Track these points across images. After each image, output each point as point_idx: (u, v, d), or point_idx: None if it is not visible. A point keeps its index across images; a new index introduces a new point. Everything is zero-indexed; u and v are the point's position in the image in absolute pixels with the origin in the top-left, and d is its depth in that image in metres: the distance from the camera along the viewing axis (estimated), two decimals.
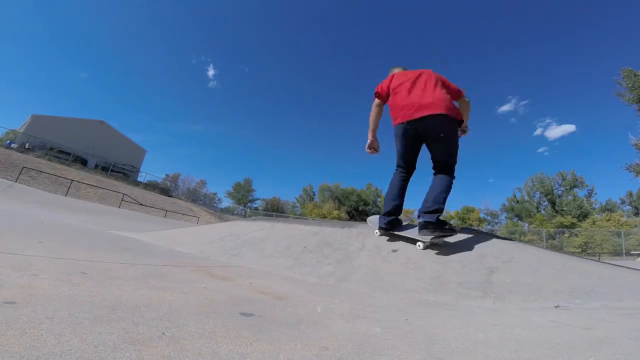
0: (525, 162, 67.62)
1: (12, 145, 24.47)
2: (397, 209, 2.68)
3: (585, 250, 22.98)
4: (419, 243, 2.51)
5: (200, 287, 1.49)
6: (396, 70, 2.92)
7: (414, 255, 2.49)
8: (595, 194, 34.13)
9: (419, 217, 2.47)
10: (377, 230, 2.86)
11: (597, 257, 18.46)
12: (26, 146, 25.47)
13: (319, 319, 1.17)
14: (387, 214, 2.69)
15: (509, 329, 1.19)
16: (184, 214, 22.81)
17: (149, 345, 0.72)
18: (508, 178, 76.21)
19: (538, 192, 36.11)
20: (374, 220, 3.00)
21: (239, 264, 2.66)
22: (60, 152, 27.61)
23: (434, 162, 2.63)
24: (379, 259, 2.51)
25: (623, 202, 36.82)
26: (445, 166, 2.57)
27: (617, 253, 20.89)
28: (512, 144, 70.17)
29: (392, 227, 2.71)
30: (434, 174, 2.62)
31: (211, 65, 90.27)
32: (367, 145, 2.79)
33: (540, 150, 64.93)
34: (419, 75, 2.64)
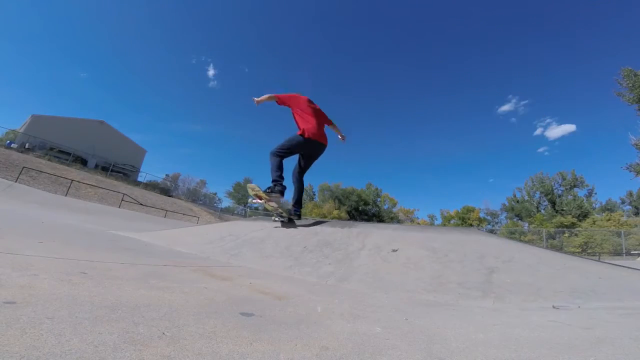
0: (525, 162, 67.59)
1: (12, 145, 24.46)
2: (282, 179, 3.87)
3: (586, 250, 22.97)
4: (275, 218, 3.89)
5: (200, 287, 1.49)
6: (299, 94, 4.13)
7: (414, 255, 2.49)
8: (595, 193, 34.09)
9: (294, 206, 3.91)
10: (268, 195, 3.66)
11: (597, 257, 18.46)
12: (26, 146, 25.46)
13: (319, 319, 1.17)
14: (281, 182, 3.76)
15: (509, 328, 1.19)
16: (184, 214, 22.80)
17: (149, 345, 0.72)
18: (508, 178, 76.25)
19: (538, 192, 36.07)
20: (254, 186, 3.81)
21: (239, 264, 2.66)
22: (60, 152, 27.60)
23: (304, 168, 3.98)
24: (379, 258, 2.51)
25: (623, 202, 36.84)
26: (305, 173, 4.02)
27: (617, 253, 20.87)
28: (512, 144, 70.11)
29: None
30: (301, 176, 3.97)
31: (211, 65, 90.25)
32: (258, 98, 3.89)
33: (541, 150, 64.92)
34: (319, 113, 3.96)
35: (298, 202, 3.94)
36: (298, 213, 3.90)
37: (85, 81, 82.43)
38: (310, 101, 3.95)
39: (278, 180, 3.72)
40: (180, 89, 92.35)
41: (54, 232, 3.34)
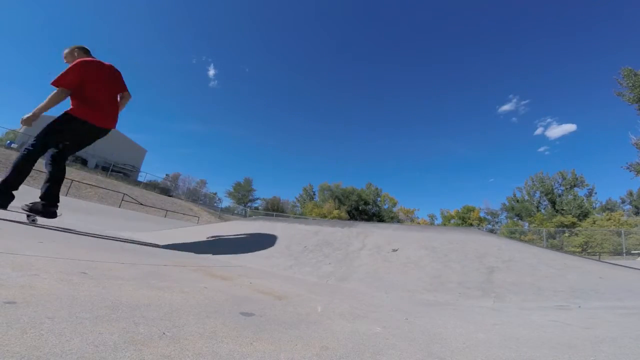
0: (525, 162, 67.63)
1: (13, 145, 24.47)
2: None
3: (586, 250, 22.98)
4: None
5: (200, 286, 1.49)
6: (82, 54, 3.10)
7: (414, 255, 2.49)
8: (596, 193, 34.09)
9: (45, 201, 2.94)
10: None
11: (598, 256, 18.45)
12: None
13: (319, 319, 1.17)
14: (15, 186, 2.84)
15: (509, 328, 1.19)
16: (184, 214, 22.81)
17: (149, 345, 0.72)
18: (508, 178, 76.30)
19: (538, 192, 36.09)
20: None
21: (239, 263, 2.66)
22: None
23: (68, 152, 3.05)
24: (379, 258, 2.51)
25: (623, 202, 36.83)
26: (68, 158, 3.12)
27: (617, 252, 20.87)
28: (513, 144, 70.16)
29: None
30: (61, 161, 3.01)
31: (212, 65, 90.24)
32: (29, 119, 2.77)
33: (541, 149, 64.90)
34: (114, 78, 3.10)
35: (54, 196, 2.98)
36: (52, 210, 2.98)
37: None
38: (95, 66, 2.97)
39: (10, 185, 2.79)
40: (180, 88, 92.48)
41: (54, 232, 3.34)
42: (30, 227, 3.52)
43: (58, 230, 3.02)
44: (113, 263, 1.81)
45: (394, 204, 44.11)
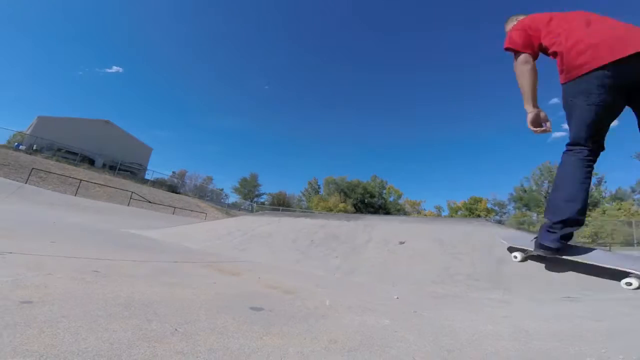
0: (538, 151, 65.77)
1: (20, 147, 24.85)
2: (580, 214, 1.64)
3: (596, 241, 22.66)
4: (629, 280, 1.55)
5: (210, 282, 1.51)
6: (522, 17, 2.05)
7: (421, 247, 2.48)
8: (605, 182, 33.48)
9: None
10: (524, 253, 1.97)
11: (608, 247, 18.20)
12: (34, 147, 25.84)
13: (328, 312, 1.18)
14: (562, 223, 1.67)
15: (518, 320, 1.19)
16: (191, 210, 23.04)
17: (162, 342, 0.73)
18: (519, 168, 74.95)
19: (546, 181, 35.56)
20: (515, 236, 2.09)
21: (247, 258, 2.69)
22: (68, 152, 27.96)
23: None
24: (386, 251, 2.51)
25: (634, 191, 35.98)
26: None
27: (628, 243, 20.52)
28: (525, 133, 68.66)
29: (566, 245, 1.72)
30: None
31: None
32: (530, 121, 1.82)
33: (557, 135, 63.06)
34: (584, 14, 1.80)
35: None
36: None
37: (88, 80, 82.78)
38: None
39: (561, 220, 1.67)
40: (184, 87, 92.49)
41: (66, 231, 3.41)
42: (42, 227, 3.59)
43: (69, 230, 3.08)
44: (124, 261, 1.84)
45: (400, 196, 43.98)
